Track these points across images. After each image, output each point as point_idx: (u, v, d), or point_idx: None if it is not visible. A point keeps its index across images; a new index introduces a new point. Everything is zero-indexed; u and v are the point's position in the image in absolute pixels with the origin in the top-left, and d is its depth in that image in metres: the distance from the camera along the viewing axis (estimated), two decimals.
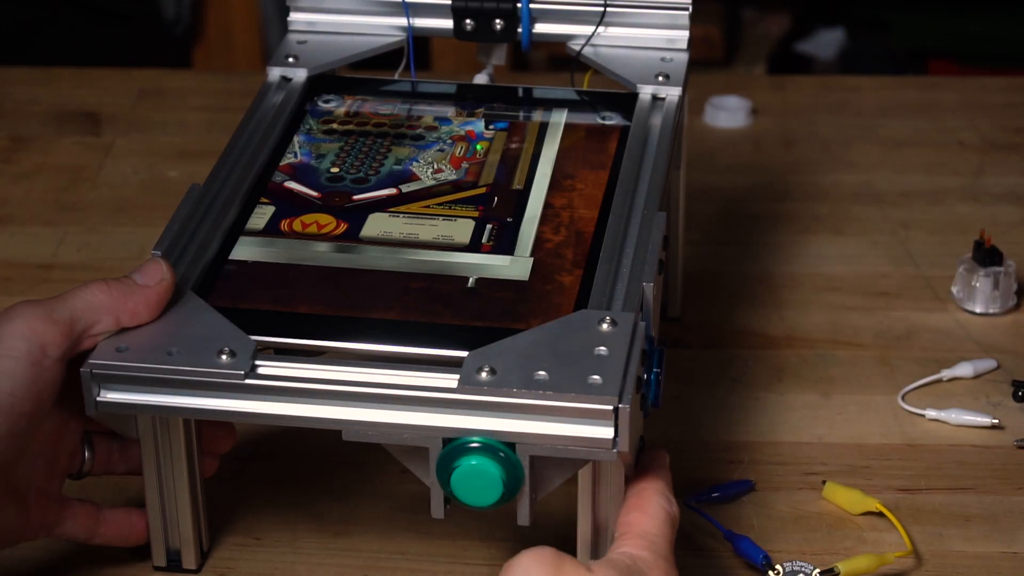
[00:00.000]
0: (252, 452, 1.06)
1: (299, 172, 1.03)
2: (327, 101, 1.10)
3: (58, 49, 2.25)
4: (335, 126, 1.07)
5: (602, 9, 1.11)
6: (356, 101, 1.09)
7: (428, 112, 1.09)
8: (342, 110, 1.09)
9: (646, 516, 0.84)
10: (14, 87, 1.53)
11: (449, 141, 1.05)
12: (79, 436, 0.93)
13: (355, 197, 1.01)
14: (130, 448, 0.95)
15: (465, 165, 1.03)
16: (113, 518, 0.94)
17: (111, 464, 0.95)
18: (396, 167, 1.03)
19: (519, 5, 1.12)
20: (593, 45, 1.12)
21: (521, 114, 1.08)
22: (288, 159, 1.04)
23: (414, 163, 1.03)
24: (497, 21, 1.12)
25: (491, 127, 1.07)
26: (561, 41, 1.13)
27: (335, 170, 1.03)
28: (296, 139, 1.06)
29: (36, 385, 0.85)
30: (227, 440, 0.97)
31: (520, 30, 1.13)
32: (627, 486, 0.87)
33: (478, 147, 1.05)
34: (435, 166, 1.03)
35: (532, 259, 0.95)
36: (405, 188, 1.01)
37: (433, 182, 1.02)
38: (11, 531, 0.88)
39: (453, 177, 1.02)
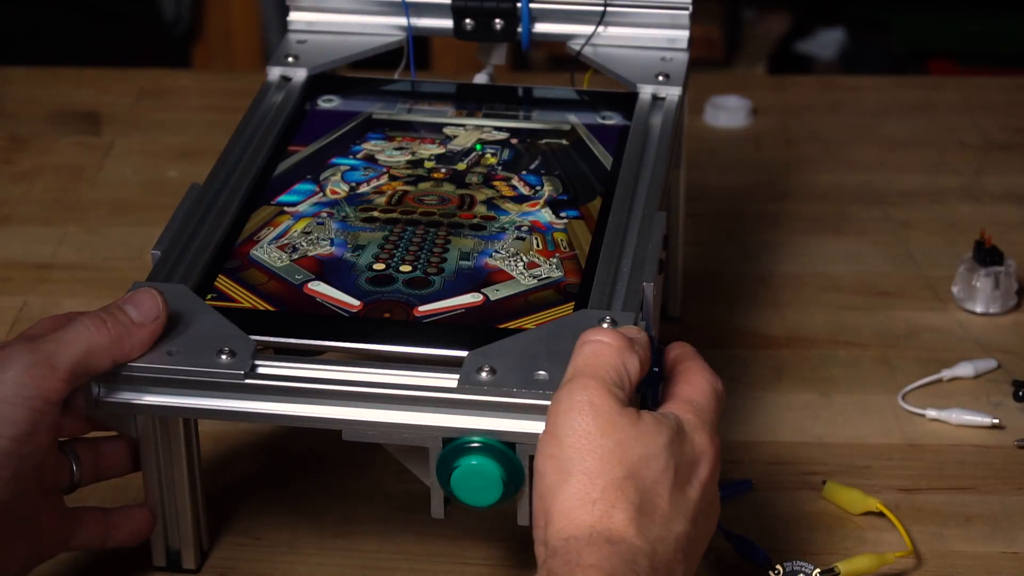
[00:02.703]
0: (252, 452, 1.06)
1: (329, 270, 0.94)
2: (327, 101, 1.10)
3: (58, 49, 2.25)
4: (376, 213, 0.98)
5: (602, 9, 1.11)
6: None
7: (433, 115, 1.08)
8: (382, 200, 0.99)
9: (692, 387, 0.84)
10: (14, 87, 1.53)
11: (525, 229, 0.97)
12: (53, 447, 0.90)
13: (420, 309, 0.91)
14: (108, 448, 0.94)
15: (556, 259, 0.95)
16: (121, 519, 0.93)
17: (100, 470, 0.94)
18: (464, 263, 0.94)
19: (519, 5, 1.12)
20: (593, 45, 1.12)
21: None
22: (311, 248, 0.95)
23: (488, 257, 0.95)
24: (497, 21, 1.12)
25: (561, 215, 0.99)
26: (561, 41, 1.13)
27: (380, 266, 0.94)
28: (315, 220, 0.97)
29: (37, 432, 0.84)
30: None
31: (520, 30, 1.13)
32: (670, 369, 0.86)
33: (556, 236, 0.97)
34: (525, 259, 0.94)
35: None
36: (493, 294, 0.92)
37: (535, 282, 0.93)
38: (27, 557, 0.88)
39: (557, 275, 0.93)
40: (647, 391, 0.86)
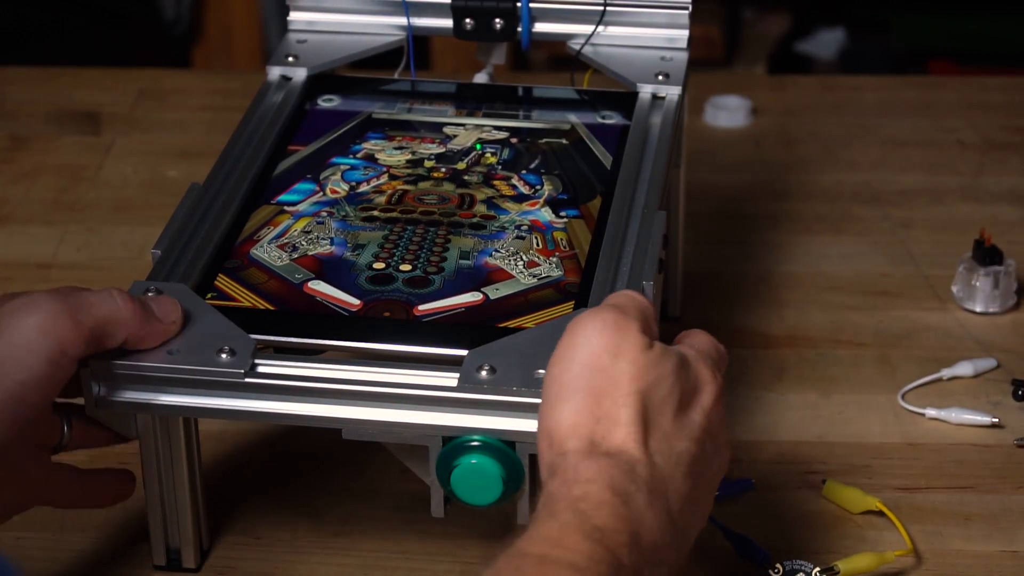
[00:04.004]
0: (252, 451, 1.06)
1: (328, 268, 0.94)
2: (327, 100, 1.10)
3: (58, 49, 2.25)
4: (376, 212, 0.98)
5: (602, 8, 1.11)
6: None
7: (433, 114, 1.09)
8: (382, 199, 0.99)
9: (693, 338, 0.86)
10: (14, 87, 1.53)
11: (525, 228, 0.98)
12: (49, 408, 0.90)
13: (420, 308, 0.92)
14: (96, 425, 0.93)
15: (555, 259, 0.95)
16: (99, 481, 0.93)
17: (86, 440, 0.93)
18: (464, 262, 0.95)
19: (519, 4, 1.12)
20: (593, 44, 1.12)
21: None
22: (311, 248, 0.95)
23: (488, 256, 0.95)
24: (497, 20, 1.12)
25: (561, 214, 0.99)
26: (561, 40, 1.13)
27: (380, 265, 0.94)
28: (312, 219, 0.97)
29: (49, 381, 0.84)
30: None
31: (520, 29, 1.13)
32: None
33: (556, 236, 0.97)
34: (524, 258, 0.95)
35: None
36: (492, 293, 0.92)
37: (534, 281, 0.93)
38: (11, 505, 0.89)
39: (557, 274, 0.94)
40: None
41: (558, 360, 0.80)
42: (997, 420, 1.08)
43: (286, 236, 0.97)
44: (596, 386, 0.78)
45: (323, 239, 0.97)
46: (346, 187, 1.01)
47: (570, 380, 0.79)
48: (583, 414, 0.78)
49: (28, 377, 0.84)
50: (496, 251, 0.95)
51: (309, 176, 1.03)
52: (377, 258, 0.95)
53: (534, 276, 0.94)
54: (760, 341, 1.17)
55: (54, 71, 1.56)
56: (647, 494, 0.77)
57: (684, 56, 1.11)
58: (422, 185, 1.02)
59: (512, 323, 0.90)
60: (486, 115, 1.09)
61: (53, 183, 1.37)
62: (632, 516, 0.75)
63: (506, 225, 0.98)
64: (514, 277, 0.94)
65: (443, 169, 1.03)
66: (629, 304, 0.82)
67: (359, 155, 1.05)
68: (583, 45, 1.12)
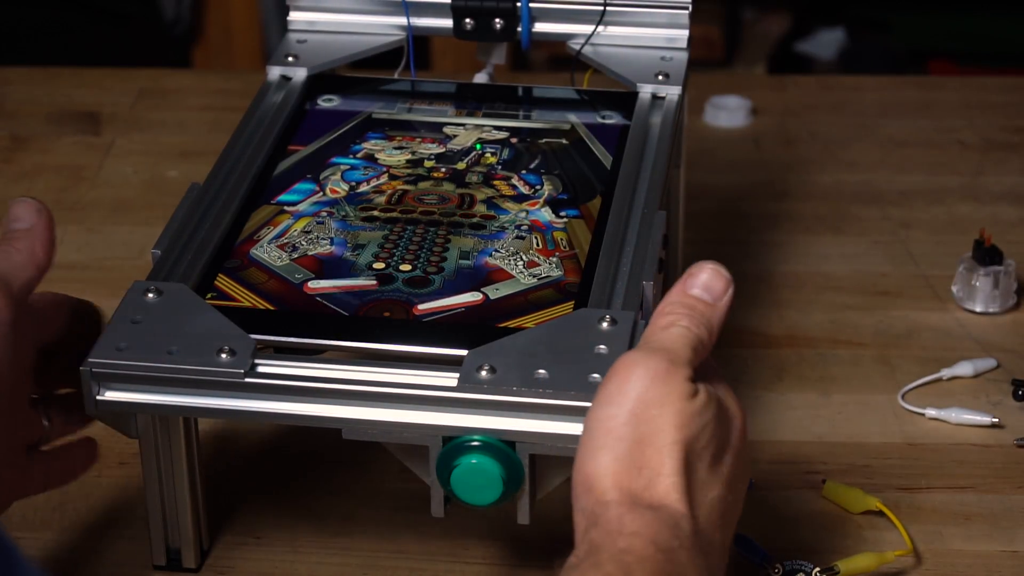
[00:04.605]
0: (252, 451, 1.06)
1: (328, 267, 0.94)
2: (327, 100, 1.10)
3: (58, 49, 2.25)
4: (376, 212, 0.98)
5: (602, 8, 1.11)
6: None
7: (433, 114, 1.09)
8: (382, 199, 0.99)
9: (713, 362, 0.85)
10: (14, 87, 1.53)
11: (525, 228, 0.98)
12: (25, 402, 0.88)
13: (420, 308, 0.92)
14: (73, 407, 0.91)
15: (555, 259, 0.95)
16: (65, 456, 0.91)
17: (66, 428, 0.92)
18: (464, 262, 0.95)
19: (519, 4, 1.12)
20: (593, 44, 1.12)
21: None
22: (311, 248, 0.95)
23: (488, 256, 0.95)
24: (497, 20, 1.12)
25: (561, 214, 0.99)
26: (561, 40, 1.13)
27: (380, 265, 0.94)
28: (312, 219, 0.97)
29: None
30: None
31: (520, 29, 1.13)
32: None
33: (556, 236, 0.97)
34: (524, 258, 0.94)
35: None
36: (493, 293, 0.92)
37: (534, 281, 0.93)
38: None
39: (557, 274, 0.94)
40: None
41: (605, 403, 0.78)
42: (997, 420, 1.08)
43: (286, 236, 0.97)
44: (640, 435, 0.77)
45: (323, 239, 0.97)
46: (346, 187, 1.01)
47: (616, 427, 0.78)
48: (625, 462, 0.77)
49: None
50: (496, 251, 0.95)
51: (309, 176, 1.03)
52: (377, 258, 0.95)
53: (534, 276, 0.94)
54: (760, 341, 1.17)
55: (54, 71, 1.56)
56: (689, 550, 0.76)
57: (684, 56, 1.11)
58: (422, 185, 1.02)
59: (512, 323, 0.90)
60: (486, 115, 1.09)
61: (53, 183, 1.37)
62: (675, 572, 0.75)
63: (506, 225, 0.98)
64: (514, 277, 0.93)
65: (443, 169, 1.03)
66: (680, 344, 0.80)
67: (359, 155, 1.05)
68: (583, 45, 1.12)
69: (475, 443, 0.85)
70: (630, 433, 0.77)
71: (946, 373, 1.13)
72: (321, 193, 1.01)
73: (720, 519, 0.79)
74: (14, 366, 0.83)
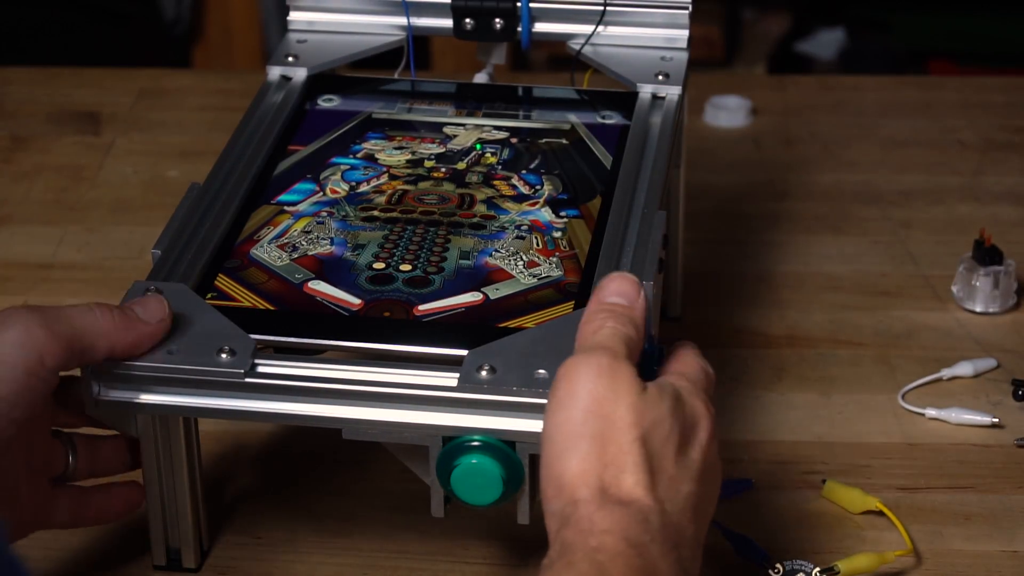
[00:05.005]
0: (252, 451, 1.06)
1: (329, 268, 0.94)
2: (327, 100, 1.10)
3: (58, 49, 2.25)
4: (376, 212, 0.98)
5: (602, 8, 1.11)
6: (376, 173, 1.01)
7: (433, 114, 1.09)
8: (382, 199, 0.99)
9: (681, 363, 0.86)
10: (14, 87, 1.53)
11: (525, 228, 0.98)
12: (47, 430, 0.90)
13: (420, 308, 0.92)
14: (107, 444, 0.93)
15: (555, 259, 0.95)
16: (104, 496, 0.93)
17: (95, 464, 0.93)
18: (464, 262, 0.95)
19: (519, 4, 1.12)
20: (593, 44, 1.12)
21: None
22: (311, 248, 0.95)
23: (488, 256, 0.95)
24: (497, 20, 1.12)
25: (561, 214, 0.99)
26: (561, 40, 1.13)
27: (380, 265, 0.94)
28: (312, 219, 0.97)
29: (30, 394, 0.84)
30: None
31: (520, 29, 1.13)
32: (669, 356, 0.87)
33: (556, 235, 0.97)
34: (524, 258, 0.94)
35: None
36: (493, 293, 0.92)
37: (534, 281, 0.93)
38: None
39: (557, 274, 0.94)
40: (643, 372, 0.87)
41: (559, 408, 0.79)
42: (997, 420, 1.08)
43: (286, 236, 0.97)
44: (600, 432, 0.78)
45: (323, 239, 0.97)
46: (346, 187, 1.01)
47: (574, 428, 0.78)
48: (590, 460, 0.78)
49: (7, 392, 0.83)
50: (496, 251, 0.95)
51: (309, 176, 1.03)
52: (377, 258, 0.95)
53: (534, 276, 0.94)
54: (760, 341, 1.17)
55: (54, 71, 1.56)
56: (660, 544, 0.77)
57: (684, 56, 1.11)
58: (422, 185, 1.02)
59: (512, 323, 0.90)
60: (486, 115, 1.09)
61: (53, 183, 1.37)
62: (647, 567, 0.75)
63: (506, 225, 0.98)
64: (514, 277, 0.93)
65: (443, 169, 1.03)
66: (614, 341, 0.81)
67: (359, 155, 1.05)
68: (583, 45, 1.12)
69: (475, 443, 0.85)
70: (589, 430, 0.78)
71: (946, 373, 1.13)
72: (321, 193, 1.01)
73: (692, 512, 0.80)
74: (35, 392, 0.84)
